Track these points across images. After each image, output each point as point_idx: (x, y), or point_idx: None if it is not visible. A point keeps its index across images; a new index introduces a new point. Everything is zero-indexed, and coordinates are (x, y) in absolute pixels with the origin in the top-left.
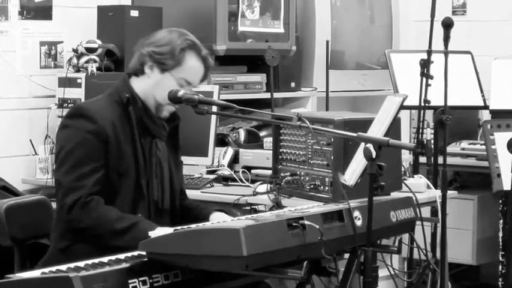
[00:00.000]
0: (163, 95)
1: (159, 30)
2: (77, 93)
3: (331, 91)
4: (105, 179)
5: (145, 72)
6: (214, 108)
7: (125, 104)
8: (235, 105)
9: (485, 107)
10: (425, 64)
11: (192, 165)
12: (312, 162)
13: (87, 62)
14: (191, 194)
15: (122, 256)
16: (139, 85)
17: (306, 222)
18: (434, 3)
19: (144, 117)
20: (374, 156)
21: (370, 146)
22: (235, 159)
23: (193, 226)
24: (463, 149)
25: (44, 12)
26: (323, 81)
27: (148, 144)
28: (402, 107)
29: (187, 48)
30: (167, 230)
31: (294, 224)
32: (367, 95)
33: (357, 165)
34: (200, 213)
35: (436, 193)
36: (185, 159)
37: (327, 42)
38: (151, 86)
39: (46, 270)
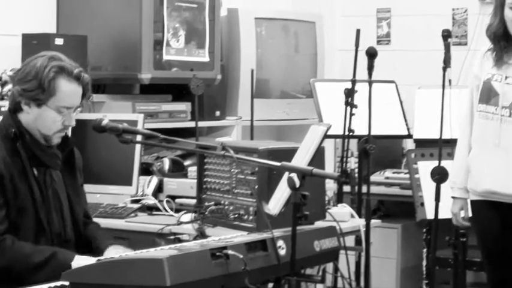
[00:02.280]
0: (47, 127)
1: (26, 61)
2: None
3: (256, 120)
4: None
5: (23, 109)
6: (139, 137)
7: (13, 139)
8: (159, 134)
9: (409, 136)
10: (349, 93)
11: (116, 195)
12: (236, 191)
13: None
14: (115, 223)
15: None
16: (23, 119)
17: (230, 251)
18: (358, 33)
19: (35, 150)
20: (298, 185)
21: (293, 175)
22: (159, 189)
23: (116, 256)
24: (387, 178)
25: None
26: (248, 110)
27: (43, 177)
28: (326, 136)
29: (55, 77)
30: (88, 259)
31: (217, 253)
32: (292, 124)
33: (281, 194)
34: (97, 247)
35: (360, 222)
36: (109, 188)
37: (252, 71)
38: (33, 121)
39: None
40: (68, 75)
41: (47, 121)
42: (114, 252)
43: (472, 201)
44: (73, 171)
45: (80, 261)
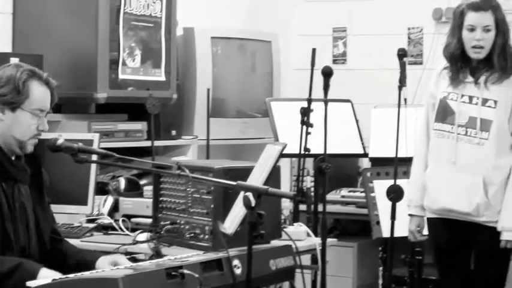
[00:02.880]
0: (22, 132)
1: None
2: None
3: (212, 139)
4: None
5: None
6: (94, 157)
7: None
8: (115, 154)
9: (365, 155)
10: (305, 112)
11: (72, 214)
12: (192, 210)
13: None
14: (71, 243)
15: None
16: None
17: (185, 271)
18: (314, 52)
19: (4, 163)
20: (253, 204)
21: (249, 194)
22: (115, 208)
23: (71, 276)
24: (343, 196)
25: None
26: (204, 129)
27: (11, 190)
28: (282, 155)
29: (28, 79)
30: (55, 273)
31: (173, 273)
32: (248, 143)
33: (237, 213)
34: (79, 261)
35: (316, 241)
36: (65, 207)
37: (208, 90)
38: (8, 128)
39: None
40: (39, 79)
41: (22, 125)
42: (106, 260)
43: (429, 219)
44: (40, 188)
45: (47, 273)
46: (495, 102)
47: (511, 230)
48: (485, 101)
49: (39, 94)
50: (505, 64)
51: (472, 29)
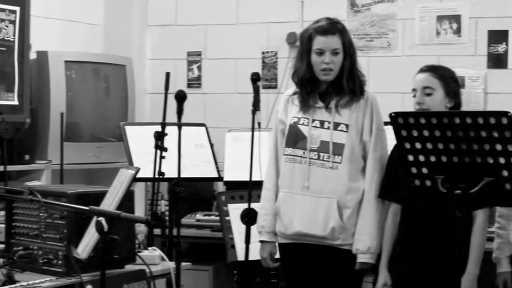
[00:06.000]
0: None
1: None
2: None
3: (66, 163)
4: None
5: None
6: None
7: None
8: None
9: (220, 179)
10: (159, 136)
11: None
12: (45, 236)
13: None
14: None
15: None
16: None
17: None
18: (168, 76)
19: None
20: (106, 229)
21: (102, 219)
22: None
23: None
24: (198, 220)
25: None
26: (58, 154)
27: None
28: (136, 179)
29: None
30: None
31: None
32: (102, 167)
33: (90, 238)
34: None
35: (171, 265)
36: None
37: (62, 114)
38: None
39: None
40: None
41: None
42: None
43: (281, 244)
44: None
45: None
46: (347, 126)
47: (365, 253)
48: (337, 125)
49: None
50: (354, 86)
51: (321, 53)
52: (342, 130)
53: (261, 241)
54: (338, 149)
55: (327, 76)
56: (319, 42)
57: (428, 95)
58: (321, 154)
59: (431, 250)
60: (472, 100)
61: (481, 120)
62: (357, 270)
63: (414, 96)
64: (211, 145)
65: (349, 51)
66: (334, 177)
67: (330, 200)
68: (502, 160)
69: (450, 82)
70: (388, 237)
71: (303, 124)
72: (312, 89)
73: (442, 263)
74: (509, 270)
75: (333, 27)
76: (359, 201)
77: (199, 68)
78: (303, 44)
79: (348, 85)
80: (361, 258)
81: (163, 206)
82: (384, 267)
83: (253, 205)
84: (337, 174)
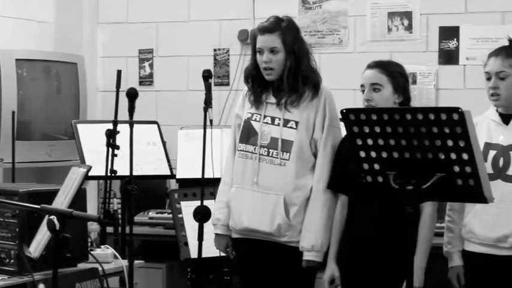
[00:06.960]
0: None
1: None
2: None
3: (18, 162)
4: None
5: None
6: None
7: None
8: None
9: (172, 176)
10: (111, 134)
11: None
12: None
13: None
14: None
15: None
16: None
17: None
18: (119, 74)
19: None
20: (58, 227)
21: (53, 217)
22: None
23: None
24: (151, 218)
25: None
26: (9, 152)
27: None
28: (88, 177)
29: None
30: None
31: None
32: (54, 165)
33: (42, 237)
34: None
35: (123, 263)
36: None
37: (13, 112)
38: None
39: None
40: None
41: None
42: None
43: (233, 239)
44: None
45: None
46: (296, 123)
47: (310, 250)
48: (286, 122)
49: None
50: (294, 85)
51: (260, 52)
52: (291, 127)
53: (216, 234)
54: (287, 146)
55: (269, 76)
56: (259, 41)
57: (377, 91)
58: (271, 151)
59: (379, 243)
60: (423, 96)
61: (432, 116)
62: (306, 268)
63: (363, 92)
64: (164, 143)
65: (290, 50)
66: (282, 174)
67: (277, 196)
68: (453, 156)
69: (398, 77)
70: (336, 229)
71: (255, 120)
72: (261, 85)
73: (390, 257)
74: (461, 264)
75: (273, 25)
76: (306, 199)
77: (151, 65)
78: (252, 42)
79: (287, 83)
80: (307, 256)
81: (115, 204)
82: (332, 259)
83: (206, 202)
84: (285, 171)
